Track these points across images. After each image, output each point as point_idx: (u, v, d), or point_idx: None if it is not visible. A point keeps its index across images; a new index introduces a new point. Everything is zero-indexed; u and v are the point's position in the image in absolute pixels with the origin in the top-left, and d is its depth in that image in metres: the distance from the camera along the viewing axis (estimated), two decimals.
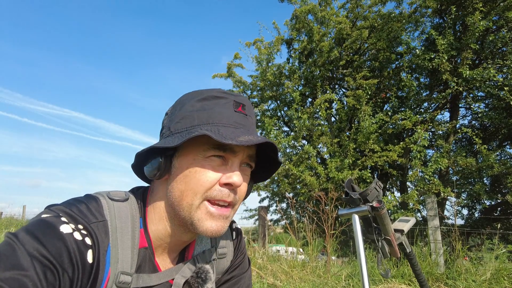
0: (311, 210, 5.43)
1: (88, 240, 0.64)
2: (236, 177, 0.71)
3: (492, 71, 6.94)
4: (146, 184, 0.87)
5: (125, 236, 0.71)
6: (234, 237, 0.96)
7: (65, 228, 0.62)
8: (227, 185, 0.71)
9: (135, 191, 0.82)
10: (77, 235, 0.63)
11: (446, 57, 7.27)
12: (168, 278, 0.76)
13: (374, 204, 0.93)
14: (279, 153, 0.83)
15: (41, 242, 0.58)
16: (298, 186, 9.00)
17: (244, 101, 0.77)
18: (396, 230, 1.10)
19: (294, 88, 9.98)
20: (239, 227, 0.99)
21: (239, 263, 0.95)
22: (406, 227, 1.14)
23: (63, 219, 0.64)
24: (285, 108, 10.82)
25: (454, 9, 7.55)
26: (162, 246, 0.77)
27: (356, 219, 0.94)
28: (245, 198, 0.82)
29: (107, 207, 0.71)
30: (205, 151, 0.70)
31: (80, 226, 0.65)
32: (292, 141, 9.37)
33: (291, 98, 10.06)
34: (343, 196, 0.99)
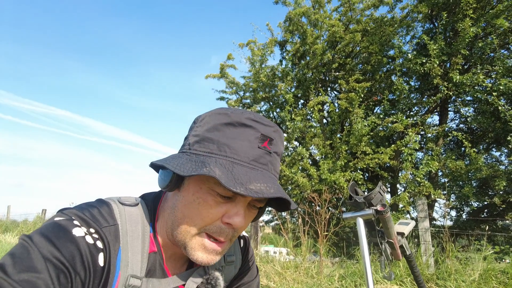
0: (303, 211, 5.46)
1: (99, 244, 0.65)
2: (238, 219, 0.68)
3: (481, 76, 7.10)
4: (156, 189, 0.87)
5: (135, 240, 0.71)
6: (242, 245, 0.96)
7: (78, 232, 0.63)
8: (228, 224, 0.69)
9: (146, 196, 0.82)
10: (89, 239, 0.64)
11: (437, 62, 7.41)
12: (177, 283, 0.77)
13: (379, 207, 0.95)
14: (292, 204, 0.72)
15: (55, 245, 0.59)
16: (289, 188, 9.04)
17: (273, 134, 0.72)
18: (397, 233, 1.12)
19: (287, 90, 10.02)
20: (246, 235, 0.99)
21: (247, 270, 0.95)
22: (406, 230, 1.16)
23: (76, 222, 0.65)
24: (278, 110, 10.87)
25: (445, 15, 7.70)
26: (169, 252, 0.78)
27: (361, 223, 0.95)
28: (254, 221, 0.82)
29: (118, 212, 0.72)
30: (213, 185, 0.68)
31: (92, 230, 0.66)
32: (285, 143, 9.42)
33: (283, 100, 10.11)
34: (347, 199, 1.00)
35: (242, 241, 0.97)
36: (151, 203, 0.79)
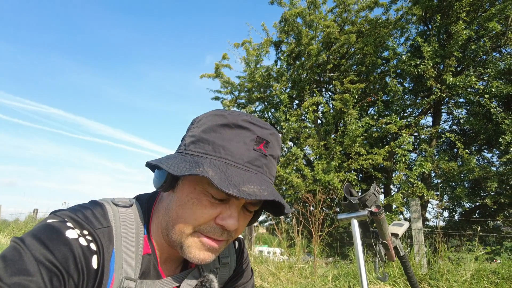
0: (297, 211, 5.48)
1: (93, 246, 0.64)
2: (231, 222, 0.67)
3: (473, 78, 7.18)
4: (151, 190, 0.86)
5: (129, 242, 0.71)
6: (236, 246, 0.96)
7: (71, 234, 0.62)
8: (221, 226, 0.69)
9: (141, 197, 0.81)
10: (83, 241, 0.63)
11: (431, 64, 7.48)
12: (172, 285, 0.76)
13: (373, 209, 0.95)
14: (286, 207, 0.71)
15: (48, 247, 0.58)
16: (284, 188, 9.05)
17: (270, 136, 0.71)
18: (391, 234, 1.13)
19: (282, 90, 10.04)
20: (241, 236, 0.98)
21: (242, 272, 0.95)
22: (400, 231, 1.17)
23: (69, 224, 0.64)
24: (273, 110, 10.88)
25: (439, 17, 7.77)
26: (164, 254, 0.77)
27: (356, 224, 0.95)
28: (250, 224, 0.81)
29: (112, 213, 0.71)
30: (207, 186, 0.67)
31: (86, 232, 0.65)
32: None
33: (278, 100, 10.12)
34: (342, 201, 1.00)
35: (236, 242, 0.96)
36: (146, 204, 0.79)
